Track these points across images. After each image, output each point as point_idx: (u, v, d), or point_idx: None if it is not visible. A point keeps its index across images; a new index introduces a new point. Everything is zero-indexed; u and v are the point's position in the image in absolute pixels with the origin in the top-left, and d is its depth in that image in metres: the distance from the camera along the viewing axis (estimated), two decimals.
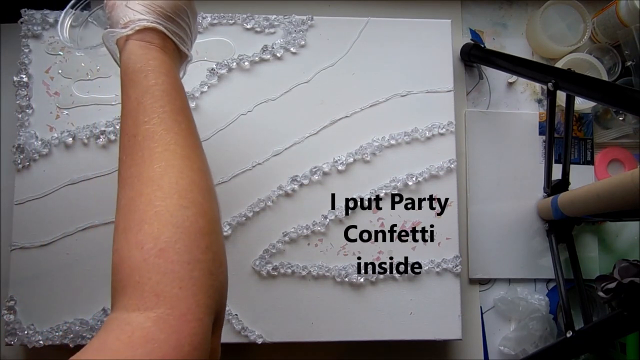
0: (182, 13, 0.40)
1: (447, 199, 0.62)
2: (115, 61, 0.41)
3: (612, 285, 0.50)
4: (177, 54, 0.41)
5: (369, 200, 0.62)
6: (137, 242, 0.31)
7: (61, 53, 0.62)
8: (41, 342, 0.57)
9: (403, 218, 0.62)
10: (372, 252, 0.61)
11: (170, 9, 0.39)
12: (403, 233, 0.62)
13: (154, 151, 0.34)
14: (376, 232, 0.62)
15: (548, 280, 0.68)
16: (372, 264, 0.61)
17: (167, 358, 0.27)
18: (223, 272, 0.34)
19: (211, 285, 0.31)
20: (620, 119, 0.70)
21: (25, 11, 0.62)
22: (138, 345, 0.27)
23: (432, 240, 0.62)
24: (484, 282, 0.68)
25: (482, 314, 0.67)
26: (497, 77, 0.72)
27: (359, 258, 0.61)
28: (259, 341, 0.59)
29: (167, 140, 0.34)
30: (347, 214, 0.61)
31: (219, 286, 0.32)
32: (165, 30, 0.39)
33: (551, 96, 0.59)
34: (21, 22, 0.62)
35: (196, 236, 0.32)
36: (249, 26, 0.64)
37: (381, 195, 0.62)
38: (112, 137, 0.61)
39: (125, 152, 0.35)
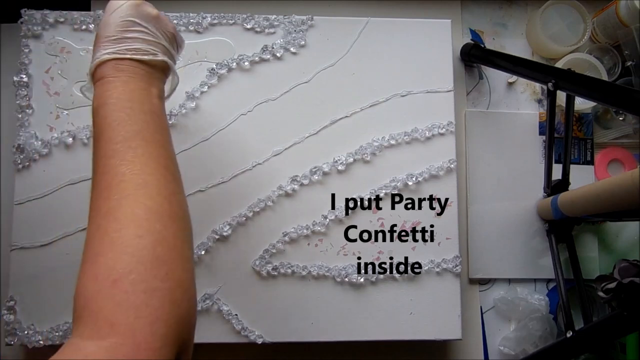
0: (132, 26, 0.40)
1: (447, 199, 0.62)
2: None
3: (612, 285, 0.50)
4: (147, 67, 0.40)
5: (369, 200, 0.62)
6: (92, 274, 0.31)
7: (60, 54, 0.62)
8: (41, 342, 0.57)
9: (403, 218, 0.62)
10: (372, 252, 0.61)
11: (114, 31, 0.39)
12: (403, 233, 0.62)
13: (110, 184, 0.34)
14: (376, 232, 0.62)
15: (548, 280, 0.68)
16: (372, 264, 0.61)
17: None
18: (189, 299, 0.33)
19: (173, 315, 0.30)
20: (620, 119, 0.70)
21: (25, 11, 0.62)
22: None
23: (432, 240, 0.62)
24: (484, 282, 0.68)
25: (482, 314, 0.67)
26: (497, 77, 0.72)
27: (359, 258, 0.61)
28: (259, 341, 0.59)
29: (122, 171, 0.34)
30: (347, 214, 0.61)
31: (183, 315, 0.31)
32: (113, 56, 0.38)
33: (551, 96, 0.59)
34: (21, 22, 0.62)
35: (153, 265, 0.31)
36: (249, 26, 0.64)
37: (381, 195, 0.62)
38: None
39: (92, 187, 0.36)
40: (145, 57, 0.40)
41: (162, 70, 0.42)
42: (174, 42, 0.44)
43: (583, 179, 0.68)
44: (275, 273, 0.60)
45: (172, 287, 0.31)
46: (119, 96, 0.37)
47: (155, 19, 0.42)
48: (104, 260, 0.31)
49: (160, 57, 0.41)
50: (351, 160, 0.62)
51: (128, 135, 0.36)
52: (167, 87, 0.44)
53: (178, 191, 0.37)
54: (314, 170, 0.62)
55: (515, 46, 0.73)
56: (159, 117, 0.39)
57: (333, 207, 0.61)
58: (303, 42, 0.64)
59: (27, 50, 0.62)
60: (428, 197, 0.62)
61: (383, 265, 0.61)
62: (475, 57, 0.69)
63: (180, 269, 0.33)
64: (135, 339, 0.28)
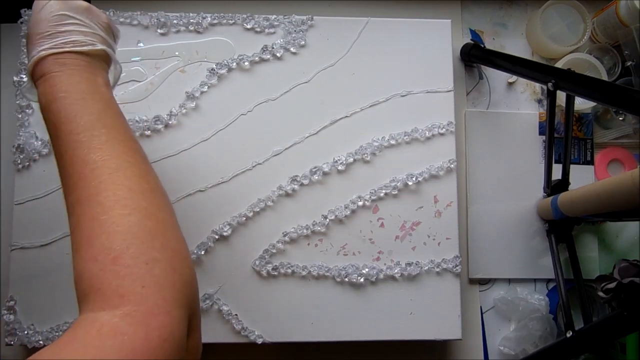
0: (65, 19, 0.40)
1: (447, 199, 0.62)
2: None
3: (612, 285, 0.50)
4: (88, 58, 0.40)
5: (369, 200, 0.62)
6: (90, 256, 0.32)
7: None
8: (41, 342, 0.57)
9: (403, 218, 0.62)
10: (372, 252, 0.61)
11: (47, 27, 0.39)
12: (403, 233, 0.62)
13: (83, 173, 0.34)
14: (376, 232, 0.62)
15: (548, 280, 0.68)
16: (372, 264, 0.61)
17: (136, 350, 0.28)
18: (188, 266, 0.34)
19: (177, 280, 0.32)
20: (620, 119, 0.70)
21: (25, 11, 0.62)
22: (107, 338, 0.27)
23: (432, 240, 0.62)
24: (484, 282, 0.68)
25: (482, 314, 0.67)
26: (497, 77, 0.72)
27: (359, 258, 0.61)
28: (259, 341, 0.59)
29: (92, 159, 0.35)
30: (347, 214, 0.61)
31: (186, 280, 0.33)
32: (51, 51, 0.38)
33: (551, 96, 0.59)
34: (21, 22, 0.62)
35: (147, 238, 0.32)
36: (249, 26, 0.64)
37: (381, 195, 0.62)
38: None
39: (62, 182, 0.36)
40: (85, 48, 0.40)
41: (103, 60, 0.42)
42: (110, 32, 0.44)
43: (583, 179, 0.68)
44: (275, 273, 0.60)
45: (170, 256, 0.33)
46: (67, 89, 0.37)
47: (87, 11, 0.41)
48: (99, 242, 0.32)
49: (100, 46, 0.41)
50: (351, 160, 0.62)
51: (88, 125, 0.36)
52: (110, 77, 0.44)
53: (150, 170, 0.38)
54: (314, 170, 0.62)
55: (515, 46, 0.73)
56: (112, 105, 0.39)
57: (333, 207, 0.61)
58: (303, 42, 0.64)
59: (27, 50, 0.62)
60: (428, 197, 0.62)
61: (383, 265, 0.61)
62: (475, 57, 0.69)
63: (173, 239, 0.34)
64: (147, 305, 0.29)
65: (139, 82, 0.62)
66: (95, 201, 0.33)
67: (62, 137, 0.36)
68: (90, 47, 0.40)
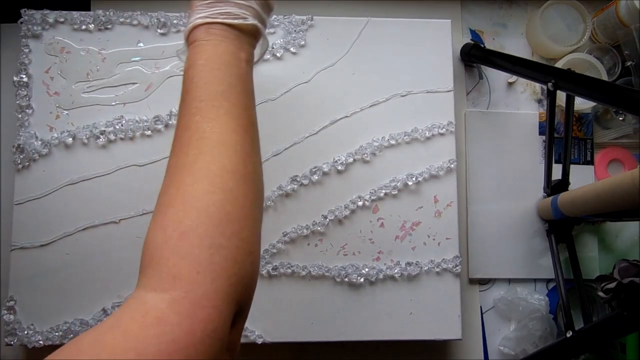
0: None
1: (447, 199, 0.62)
2: None
3: (612, 285, 0.50)
4: (237, 31, 0.40)
5: (369, 200, 0.62)
6: (161, 224, 0.31)
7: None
8: (41, 342, 0.57)
9: (403, 218, 0.62)
10: (372, 252, 0.61)
11: None
12: (403, 233, 0.62)
13: (190, 140, 0.34)
14: (376, 232, 0.62)
15: (548, 280, 0.68)
16: (372, 264, 0.61)
17: (178, 342, 0.27)
18: (252, 262, 0.33)
19: (234, 274, 0.31)
20: (620, 119, 0.70)
21: (25, 11, 0.62)
22: (150, 326, 0.27)
23: (432, 240, 0.62)
24: (484, 282, 0.68)
25: (482, 314, 0.67)
26: (497, 77, 0.72)
27: (359, 258, 0.61)
28: (259, 341, 0.59)
29: (203, 128, 0.35)
30: (347, 214, 0.61)
31: (244, 275, 0.32)
32: (205, 20, 0.39)
33: (551, 96, 0.59)
34: (21, 22, 0.62)
35: (221, 222, 0.31)
36: None
37: (381, 195, 0.62)
38: (112, 137, 0.61)
39: (173, 143, 0.36)
40: (236, 21, 0.40)
41: (252, 35, 0.42)
42: (266, 6, 0.44)
43: (583, 179, 0.68)
44: (275, 273, 0.60)
45: (237, 245, 0.32)
46: (208, 58, 0.38)
47: None
48: (173, 212, 0.31)
49: (251, 21, 0.41)
50: (351, 160, 0.62)
51: (212, 95, 0.36)
52: (257, 52, 0.44)
53: (254, 153, 0.37)
54: (314, 170, 0.62)
55: (515, 46, 0.73)
56: (244, 81, 0.39)
57: (333, 207, 0.61)
58: (303, 42, 0.64)
59: (27, 50, 0.62)
60: (428, 197, 0.62)
61: (383, 265, 0.61)
62: (475, 57, 0.69)
63: (246, 229, 0.33)
64: (197, 293, 0.29)
65: (139, 82, 0.62)
66: (189, 170, 0.33)
67: (187, 102, 0.36)
68: (241, 21, 0.40)
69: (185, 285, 0.29)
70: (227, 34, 0.39)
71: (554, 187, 0.64)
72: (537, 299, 0.66)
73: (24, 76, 0.61)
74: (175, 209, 0.31)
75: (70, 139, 0.61)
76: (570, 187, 0.62)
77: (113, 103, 0.62)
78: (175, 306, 0.28)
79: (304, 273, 0.60)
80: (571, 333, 0.56)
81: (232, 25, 0.40)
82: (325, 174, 0.62)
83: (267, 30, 0.44)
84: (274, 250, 0.60)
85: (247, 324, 0.59)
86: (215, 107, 0.36)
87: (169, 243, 0.30)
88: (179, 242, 0.30)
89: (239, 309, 0.32)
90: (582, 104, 0.69)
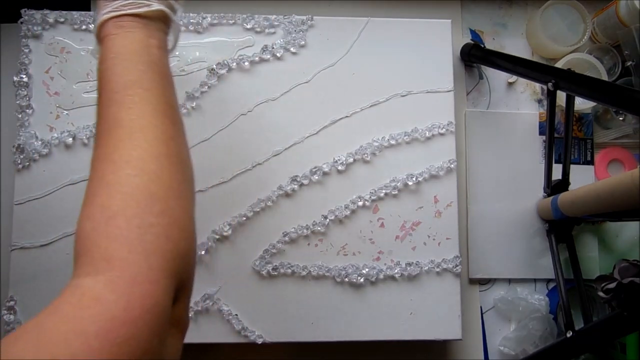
0: None
1: (447, 199, 0.62)
2: None
3: (612, 285, 0.50)
4: (144, 20, 0.40)
5: (369, 200, 0.62)
6: (88, 214, 0.32)
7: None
8: None
9: (403, 218, 0.62)
10: (372, 252, 0.61)
11: None
12: (403, 233, 0.62)
13: (109, 131, 0.35)
14: (376, 232, 0.62)
15: (548, 280, 0.68)
16: (372, 264, 0.61)
17: (116, 318, 0.27)
18: (186, 238, 0.33)
19: (169, 250, 0.31)
20: (620, 119, 0.70)
21: (25, 11, 0.62)
22: (87, 307, 0.27)
23: (432, 240, 0.62)
24: (484, 282, 0.68)
25: (482, 314, 0.67)
26: (497, 77, 0.72)
27: (359, 258, 0.61)
28: (259, 341, 0.59)
29: (120, 117, 0.35)
30: (347, 214, 0.61)
31: (180, 251, 0.32)
32: (110, 15, 0.39)
33: (551, 96, 0.59)
34: (21, 22, 0.62)
35: (147, 202, 0.32)
36: (249, 26, 0.64)
37: (381, 195, 0.62)
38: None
39: (94, 140, 0.37)
40: (140, 10, 0.40)
41: (161, 21, 0.42)
42: None
43: (583, 179, 0.68)
44: (275, 273, 0.60)
45: (167, 223, 0.32)
46: (118, 51, 0.38)
47: None
48: (99, 201, 0.32)
49: (156, 7, 0.41)
50: (351, 160, 0.62)
51: (126, 85, 0.36)
52: (171, 37, 0.44)
53: (176, 135, 0.37)
54: (314, 170, 0.62)
55: (515, 46, 0.73)
56: (158, 67, 0.39)
57: (333, 207, 0.61)
58: (303, 42, 0.64)
59: (27, 50, 0.62)
60: (428, 197, 0.62)
61: (383, 265, 0.61)
62: (475, 57, 0.69)
63: (176, 207, 0.33)
64: (131, 271, 0.29)
65: None
66: (110, 159, 0.33)
67: (102, 96, 0.37)
68: (145, 9, 0.40)
69: (119, 265, 0.29)
70: (135, 24, 0.40)
71: (554, 187, 0.64)
72: (537, 299, 0.66)
73: (24, 76, 0.61)
74: (100, 197, 0.32)
75: (71, 139, 0.61)
76: (570, 187, 0.62)
77: None
78: (110, 286, 0.28)
79: (304, 273, 0.60)
80: (571, 333, 0.56)
81: (138, 14, 0.40)
82: (325, 174, 0.62)
83: (178, 15, 0.43)
84: (274, 250, 0.60)
85: (247, 324, 0.59)
86: (130, 96, 0.36)
87: (98, 229, 0.31)
88: (107, 227, 0.30)
89: (180, 284, 0.32)
90: (582, 104, 0.69)
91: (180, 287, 0.32)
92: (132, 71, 0.37)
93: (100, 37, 0.40)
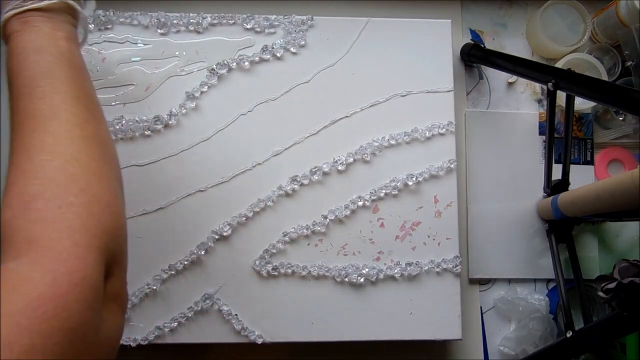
0: None
1: (447, 199, 0.62)
2: None
3: (612, 285, 0.50)
4: (48, 13, 0.40)
5: (369, 200, 0.62)
6: (8, 202, 0.32)
7: None
8: None
9: (403, 218, 0.62)
10: (372, 252, 0.61)
11: None
12: (403, 233, 0.62)
13: (22, 124, 0.35)
14: (376, 232, 0.62)
15: (548, 280, 0.68)
16: (372, 264, 0.61)
17: (45, 294, 0.27)
18: (111, 213, 0.34)
19: (94, 226, 0.32)
20: (620, 119, 0.70)
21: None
22: (14, 289, 0.27)
23: (432, 240, 0.62)
24: (484, 282, 0.68)
25: (482, 314, 0.67)
26: (497, 77, 0.72)
27: (359, 258, 0.61)
28: (259, 341, 0.59)
29: (31, 109, 0.35)
30: (347, 214, 0.61)
31: (106, 227, 0.33)
32: (13, 12, 0.39)
33: (551, 96, 0.59)
34: None
35: (66, 183, 0.32)
36: (249, 26, 0.64)
37: (381, 195, 0.62)
38: (112, 137, 0.61)
39: (10, 136, 0.37)
40: (42, 4, 0.40)
41: (67, 13, 0.42)
42: None
43: (583, 179, 0.68)
44: (275, 273, 0.60)
45: (88, 201, 0.32)
46: (24, 46, 0.38)
47: None
48: (16, 189, 0.32)
49: (70, 2, 0.41)
50: (351, 160, 0.62)
51: (34, 78, 0.37)
52: (80, 29, 0.44)
53: (92, 118, 0.38)
54: (314, 170, 0.62)
55: (515, 46, 0.73)
56: (67, 58, 0.39)
57: (333, 207, 0.61)
58: (303, 42, 0.64)
59: None
60: (428, 197, 0.62)
61: (383, 265, 0.61)
62: (475, 57, 0.69)
63: (96, 186, 0.34)
64: (55, 250, 0.29)
65: (139, 82, 0.62)
66: (24, 149, 0.34)
67: (13, 92, 0.37)
68: (47, 2, 0.40)
69: (42, 245, 0.29)
70: (39, 18, 0.40)
71: (554, 187, 0.64)
72: (537, 299, 0.66)
73: None
74: (18, 185, 0.32)
75: None
76: (571, 187, 0.62)
77: (113, 103, 0.62)
78: (35, 265, 0.28)
79: (304, 273, 0.60)
80: (571, 333, 0.56)
81: (41, 8, 0.40)
82: (325, 174, 0.62)
83: (89, 8, 0.44)
84: (274, 250, 0.60)
85: (247, 324, 0.59)
86: (39, 87, 0.36)
87: (17, 215, 0.31)
88: (27, 212, 0.31)
89: (111, 259, 0.33)
90: (582, 104, 0.69)
91: (112, 262, 0.33)
92: (40, 64, 0.38)
93: (6, 36, 0.40)
